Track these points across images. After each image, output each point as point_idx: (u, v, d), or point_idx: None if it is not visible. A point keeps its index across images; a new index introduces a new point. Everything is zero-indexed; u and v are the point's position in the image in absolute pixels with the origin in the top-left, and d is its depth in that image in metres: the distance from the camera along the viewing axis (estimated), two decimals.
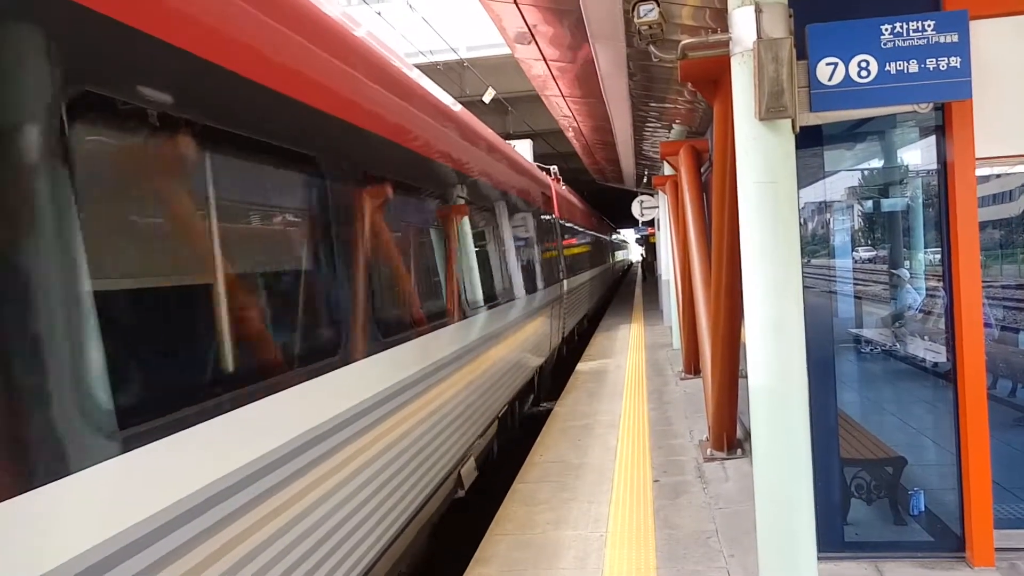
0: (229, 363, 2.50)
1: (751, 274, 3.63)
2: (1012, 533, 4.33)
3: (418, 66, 6.30)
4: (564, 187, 17.80)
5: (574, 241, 17.53)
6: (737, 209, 3.69)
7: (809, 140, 4.16)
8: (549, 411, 9.47)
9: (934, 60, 3.46)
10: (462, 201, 6.07)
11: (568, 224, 16.06)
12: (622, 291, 36.06)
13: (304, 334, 3.10)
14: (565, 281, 13.55)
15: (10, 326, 1.70)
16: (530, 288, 9.22)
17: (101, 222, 2.01)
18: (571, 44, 7.17)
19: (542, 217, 11.46)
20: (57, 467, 1.73)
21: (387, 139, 4.25)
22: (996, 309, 5.28)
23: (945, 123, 4.23)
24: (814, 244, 5.32)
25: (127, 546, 1.89)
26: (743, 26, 3.48)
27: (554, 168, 16.68)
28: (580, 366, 12.88)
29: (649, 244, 36.66)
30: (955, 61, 3.45)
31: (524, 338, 8.56)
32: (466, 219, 6.20)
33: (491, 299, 6.91)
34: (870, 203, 5.63)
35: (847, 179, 5.43)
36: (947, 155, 4.24)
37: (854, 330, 5.49)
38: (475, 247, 6.52)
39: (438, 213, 5.51)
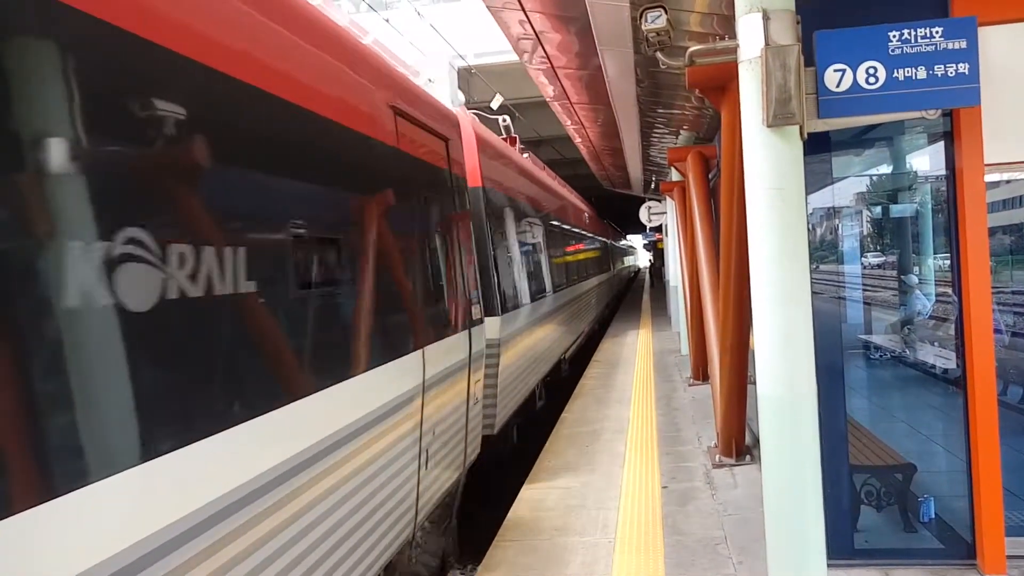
0: None
1: (760, 280, 3.63)
2: (1023, 540, 4.30)
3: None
4: (527, 157, 11.53)
5: (541, 241, 10.88)
6: (745, 215, 3.70)
7: (817, 146, 4.16)
8: None
9: (942, 66, 3.46)
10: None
11: (520, 208, 9.27)
12: (630, 297, 36.03)
13: None
14: (499, 319, 7.00)
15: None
16: (348, 367, 3.55)
17: None
18: (579, 51, 7.19)
19: (426, 190, 4.96)
20: None
21: None
22: (1006, 315, 5.25)
23: (953, 129, 4.22)
24: (822, 250, 5.31)
25: None
26: (751, 33, 3.49)
27: (504, 120, 11.11)
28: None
29: (657, 250, 36.67)
30: (963, 67, 3.45)
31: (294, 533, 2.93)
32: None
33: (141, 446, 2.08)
34: (879, 209, 5.62)
35: (855, 185, 5.43)
36: (956, 161, 4.23)
37: (863, 336, 5.47)
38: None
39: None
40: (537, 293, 9.82)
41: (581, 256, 17.27)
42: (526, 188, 10.30)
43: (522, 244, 9.26)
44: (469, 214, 6.19)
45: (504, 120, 11.19)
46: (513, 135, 11.50)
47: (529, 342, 8.77)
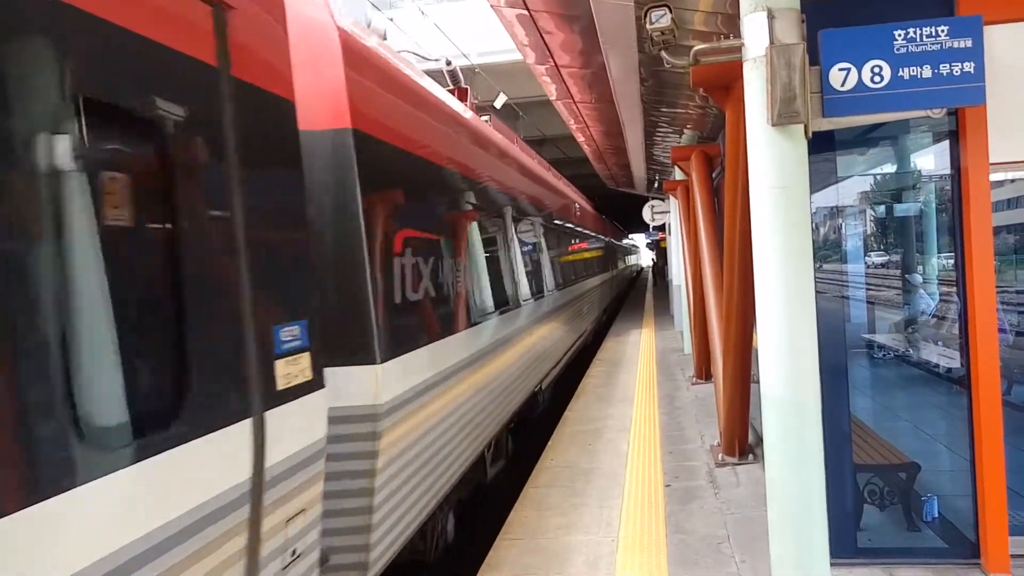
0: None
1: (763, 279, 3.63)
2: None
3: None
4: (489, 121, 8.67)
5: (501, 237, 7.77)
6: (749, 214, 3.70)
7: (822, 145, 4.16)
8: None
9: (947, 65, 3.46)
10: None
11: (458, 184, 5.94)
12: (633, 296, 36.04)
13: None
14: (378, 369, 3.82)
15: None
16: None
17: None
18: (582, 50, 7.19)
19: (104, 110, 1.98)
20: None
21: None
22: (1010, 314, 5.25)
23: (959, 128, 4.22)
24: (826, 249, 5.31)
25: None
26: (755, 32, 3.49)
27: (449, 65, 8.44)
28: None
29: (660, 249, 36.66)
30: (969, 66, 3.45)
31: None
32: None
33: None
34: (883, 208, 5.62)
35: (860, 184, 5.42)
36: (961, 160, 4.23)
37: (867, 335, 5.47)
38: None
39: None
40: (483, 312, 6.47)
41: (570, 257, 13.92)
42: (474, 159, 6.66)
43: (457, 240, 5.77)
44: (296, 174, 3.12)
45: (450, 65, 7.94)
46: (464, 87, 8.24)
47: (462, 390, 5.50)
